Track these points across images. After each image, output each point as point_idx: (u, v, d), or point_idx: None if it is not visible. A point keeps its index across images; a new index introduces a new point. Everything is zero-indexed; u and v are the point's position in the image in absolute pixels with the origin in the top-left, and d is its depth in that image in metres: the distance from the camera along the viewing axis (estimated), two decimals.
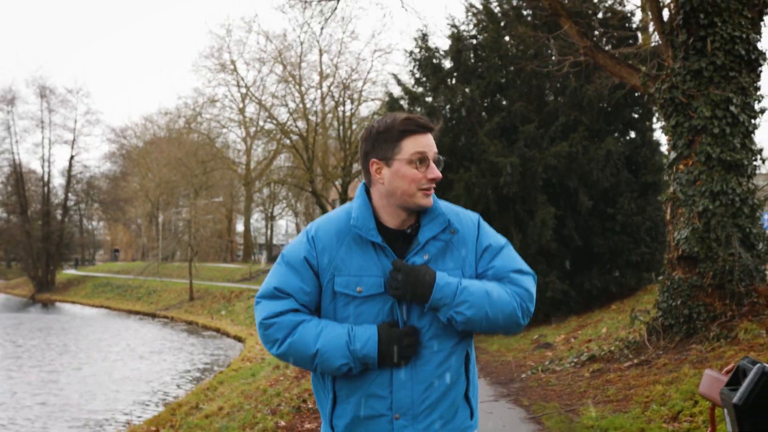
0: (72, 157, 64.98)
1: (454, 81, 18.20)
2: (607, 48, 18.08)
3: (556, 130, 16.60)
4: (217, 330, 32.63)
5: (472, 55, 18.24)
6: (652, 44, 14.44)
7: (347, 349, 2.36)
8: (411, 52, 19.04)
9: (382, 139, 2.43)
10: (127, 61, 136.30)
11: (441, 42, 66.49)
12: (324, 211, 41.37)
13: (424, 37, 18.82)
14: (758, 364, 3.04)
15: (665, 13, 10.76)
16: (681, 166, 10.12)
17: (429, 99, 18.38)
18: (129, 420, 14.51)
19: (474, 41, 18.49)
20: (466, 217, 2.55)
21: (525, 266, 2.55)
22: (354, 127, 44.00)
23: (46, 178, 64.82)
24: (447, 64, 18.71)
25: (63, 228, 65.62)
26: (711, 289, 9.84)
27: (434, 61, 18.44)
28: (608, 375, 9.47)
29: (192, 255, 46.35)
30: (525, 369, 11.33)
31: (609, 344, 11.34)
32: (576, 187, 16.37)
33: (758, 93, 10.12)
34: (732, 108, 9.84)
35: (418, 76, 19.06)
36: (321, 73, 45.34)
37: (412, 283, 2.33)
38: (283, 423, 8.31)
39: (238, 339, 28.87)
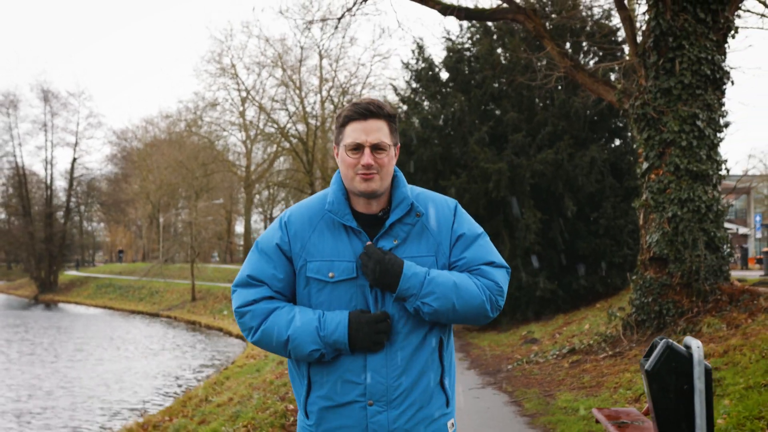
0: (74, 160, 65.79)
1: (449, 90, 19.17)
2: (594, 60, 19.09)
3: (543, 138, 17.60)
4: (220, 329, 33.49)
5: (466, 67, 19.22)
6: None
7: (317, 335, 2.37)
8: (407, 64, 20.02)
9: (337, 126, 2.51)
10: (127, 62, 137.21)
11: (437, 49, 67.24)
12: None
13: (420, 49, 19.80)
14: (664, 339, 4.00)
15: (639, 36, 11.74)
16: (652, 176, 11.11)
17: (426, 107, 19.36)
18: (144, 410, 15.49)
19: (468, 53, 19.47)
20: (441, 204, 2.55)
21: (498, 258, 2.54)
22: None
23: (48, 181, 65.62)
24: (443, 74, 19.69)
25: (65, 230, 66.46)
26: (679, 288, 10.83)
27: (431, 72, 19.42)
28: (585, 365, 10.47)
29: (194, 256, 47.21)
30: (511, 361, 12.32)
31: (589, 338, 12.33)
32: (562, 192, 17.36)
33: (723, 109, 11.12)
34: (698, 123, 10.83)
35: (414, 86, 20.03)
36: (321, 78, 46.21)
37: (380, 271, 2.36)
38: (292, 407, 9.28)
39: (241, 338, 29.78)
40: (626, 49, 18.66)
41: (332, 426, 2.43)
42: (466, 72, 19.21)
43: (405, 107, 19.78)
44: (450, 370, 2.53)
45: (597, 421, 5.81)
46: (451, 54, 19.16)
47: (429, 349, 2.44)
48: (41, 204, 66.15)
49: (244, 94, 51.42)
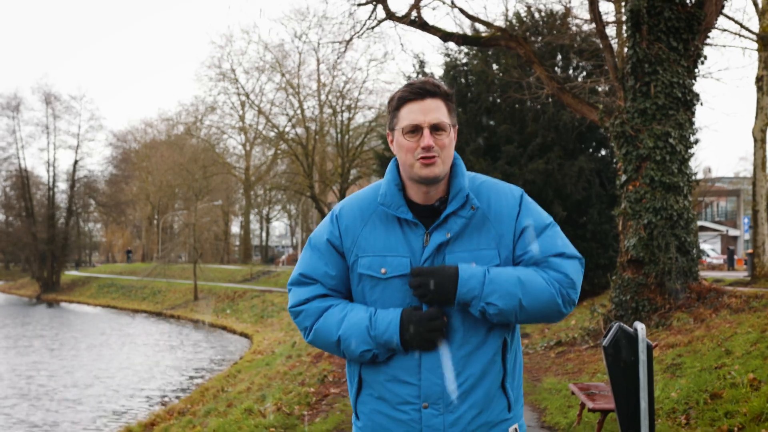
0: (76, 162, 66.80)
1: None
2: (582, 75, 20.44)
3: (534, 149, 18.99)
4: (224, 328, 34.72)
5: (463, 81, 20.60)
6: None
7: (368, 334, 2.26)
8: (408, 77, 21.36)
9: (390, 109, 2.37)
10: (125, 63, 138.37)
11: (435, 56, 68.48)
12: (323, 215, 43.27)
13: (421, 63, 21.16)
14: (617, 323, 5.33)
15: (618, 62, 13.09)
16: (630, 187, 12.46)
17: None
18: (166, 400, 16.83)
19: (465, 68, 20.83)
20: (505, 193, 2.38)
21: (570, 249, 2.36)
22: (351, 134, 46.05)
23: (50, 183, 66.65)
24: None
25: (68, 230, 67.53)
26: (653, 287, 12.18)
27: None
28: (569, 355, 11.82)
29: (197, 257, 48.39)
30: None
31: (574, 332, 13.68)
32: (552, 199, 18.73)
33: (693, 127, 12.48)
34: (671, 140, 12.18)
35: None
36: (319, 81, 47.20)
37: (437, 282, 2.22)
38: (312, 390, 10.60)
39: (245, 335, 31.05)
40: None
41: (383, 428, 2.32)
42: (463, 85, 20.56)
43: None
44: (514, 373, 2.38)
45: (573, 393, 7.15)
46: (449, 70, 20.53)
47: (491, 349, 2.30)
48: (42, 205, 67.21)
49: (243, 98, 52.55)
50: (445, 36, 13.23)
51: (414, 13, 13.13)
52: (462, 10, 13.19)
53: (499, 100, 19.88)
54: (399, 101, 2.31)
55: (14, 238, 67.52)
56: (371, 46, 58.88)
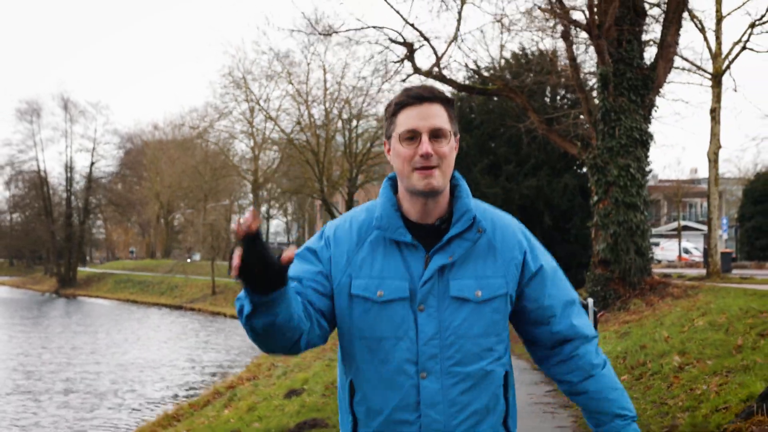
0: (92, 164, 70.18)
1: None
2: (568, 104, 24.40)
3: (528, 168, 23.00)
4: None
5: (468, 110, 24.57)
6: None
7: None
8: None
9: (387, 116, 2.16)
10: (127, 62, 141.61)
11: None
12: (332, 217, 46.17)
13: None
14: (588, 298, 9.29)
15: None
16: (600, 205, 16.41)
17: None
18: (224, 373, 20.66)
19: (469, 98, 24.78)
20: (510, 222, 2.24)
21: (573, 291, 2.30)
22: (360, 139, 48.84)
23: (68, 184, 69.94)
24: None
25: (84, 229, 70.92)
26: (618, 281, 16.14)
27: None
28: None
29: (214, 254, 51.89)
30: None
31: None
32: (542, 209, 22.75)
33: (647, 160, 16.45)
34: (631, 170, 16.13)
35: None
36: (325, 89, 49.72)
37: None
38: None
39: None
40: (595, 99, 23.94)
41: None
42: (468, 113, 24.52)
43: None
44: (514, 408, 2.23)
45: None
46: (456, 101, 24.43)
47: (494, 383, 2.13)
48: (59, 205, 70.59)
49: (253, 104, 55.28)
50: (459, 87, 17.16)
51: (435, 69, 17.07)
52: (475, 71, 17.18)
53: (500, 129, 23.81)
54: (396, 106, 2.12)
55: (33, 236, 70.92)
56: (375, 56, 61.83)
